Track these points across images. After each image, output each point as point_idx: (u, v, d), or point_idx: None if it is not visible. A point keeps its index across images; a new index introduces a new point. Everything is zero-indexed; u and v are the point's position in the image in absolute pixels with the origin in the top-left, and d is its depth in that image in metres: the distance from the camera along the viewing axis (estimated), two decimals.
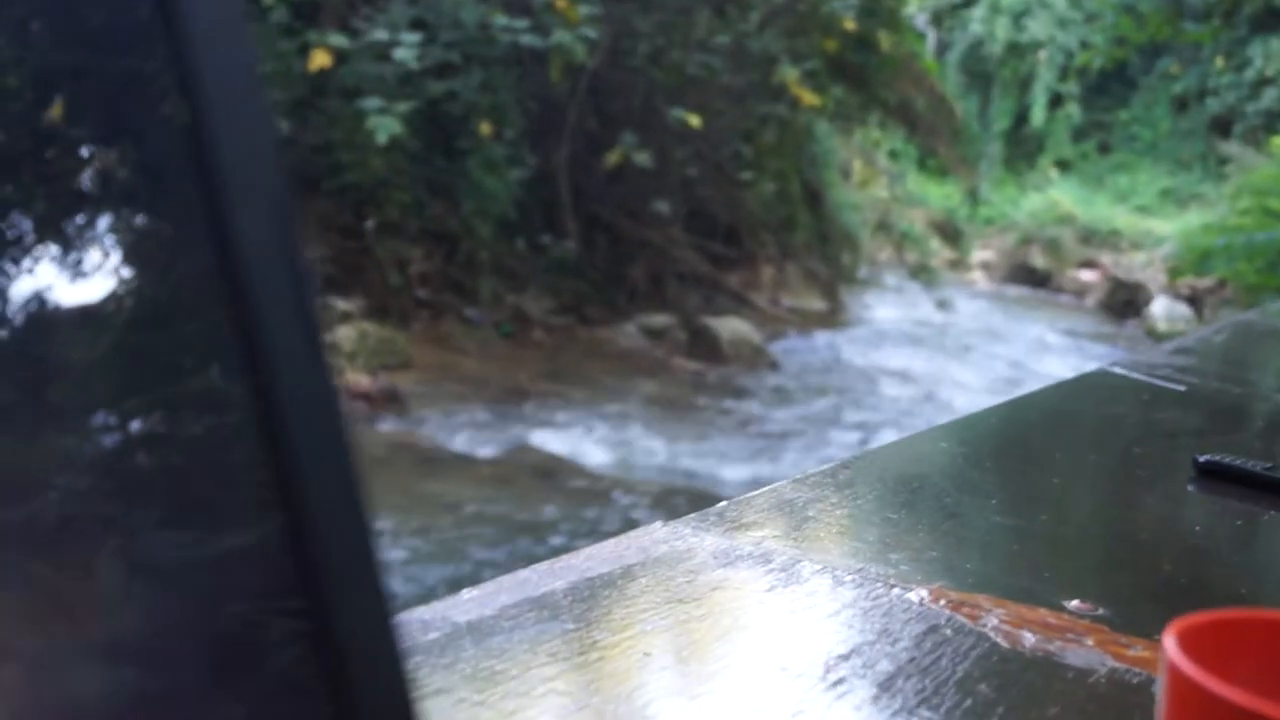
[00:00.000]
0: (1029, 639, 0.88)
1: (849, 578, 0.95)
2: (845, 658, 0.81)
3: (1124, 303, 17.58)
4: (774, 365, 11.55)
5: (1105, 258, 19.47)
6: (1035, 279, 19.39)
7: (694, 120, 10.73)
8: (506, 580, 0.86)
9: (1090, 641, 0.88)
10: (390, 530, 6.21)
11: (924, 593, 0.94)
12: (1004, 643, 0.87)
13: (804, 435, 9.02)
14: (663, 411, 9.27)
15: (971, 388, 11.41)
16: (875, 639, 0.85)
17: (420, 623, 0.77)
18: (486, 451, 7.94)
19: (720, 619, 0.86)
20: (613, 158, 10.68)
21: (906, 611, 0.90)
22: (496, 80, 10.55)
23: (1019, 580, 0.99)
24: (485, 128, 10.27)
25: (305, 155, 10.61)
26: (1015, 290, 19.12)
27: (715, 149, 12.37)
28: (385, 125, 9.52)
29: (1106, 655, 0.86)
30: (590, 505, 6.96)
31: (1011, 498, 1.27)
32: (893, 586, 0.95)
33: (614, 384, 10.01)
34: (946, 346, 13.68)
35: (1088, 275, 19.26)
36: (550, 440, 8.25)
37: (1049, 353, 13.95)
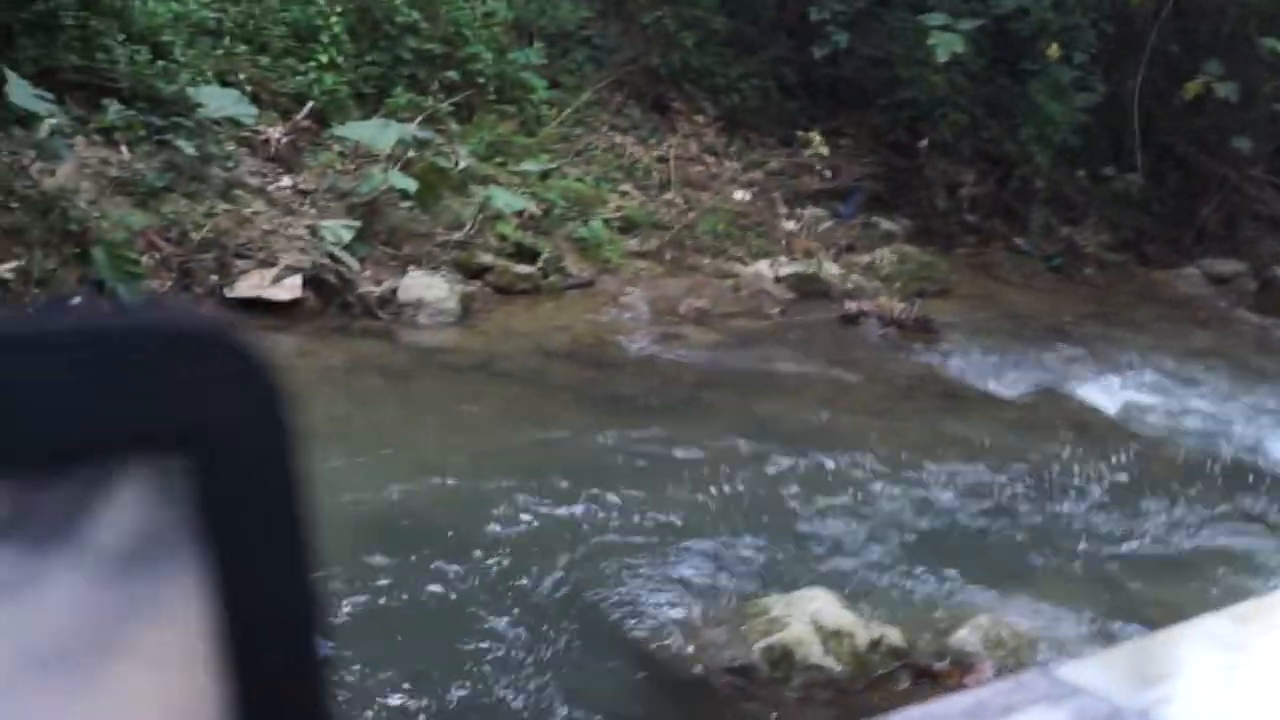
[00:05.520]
0: None
1: None
2: None
3: None
4: None
5: None
6: None
7: None
8: None
9: None
10: (901, 464, 6.13)
11: None
12: None
13: None
14: (1218, 369, 8.58)
15: None
16: None
17: None
18: (1016, 393, 7.65)
19: None
20: (1192, 87, 10.03)
21: None
22: None
23: None
24: (1054, 49, 9.88)
25: (863, 67, 10.61)
26: None
27: None
28: (947, 42, 9.36)
29: None
30: (1123, 470, 6.53)
31: None
32: None
33: (1166, 332, 9.37)
34: None
35: None
36: (1087, 388, 7.85)
37: None
